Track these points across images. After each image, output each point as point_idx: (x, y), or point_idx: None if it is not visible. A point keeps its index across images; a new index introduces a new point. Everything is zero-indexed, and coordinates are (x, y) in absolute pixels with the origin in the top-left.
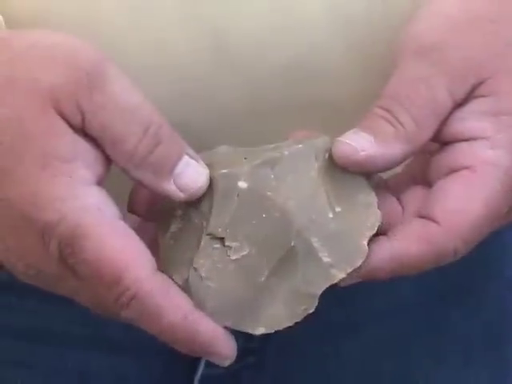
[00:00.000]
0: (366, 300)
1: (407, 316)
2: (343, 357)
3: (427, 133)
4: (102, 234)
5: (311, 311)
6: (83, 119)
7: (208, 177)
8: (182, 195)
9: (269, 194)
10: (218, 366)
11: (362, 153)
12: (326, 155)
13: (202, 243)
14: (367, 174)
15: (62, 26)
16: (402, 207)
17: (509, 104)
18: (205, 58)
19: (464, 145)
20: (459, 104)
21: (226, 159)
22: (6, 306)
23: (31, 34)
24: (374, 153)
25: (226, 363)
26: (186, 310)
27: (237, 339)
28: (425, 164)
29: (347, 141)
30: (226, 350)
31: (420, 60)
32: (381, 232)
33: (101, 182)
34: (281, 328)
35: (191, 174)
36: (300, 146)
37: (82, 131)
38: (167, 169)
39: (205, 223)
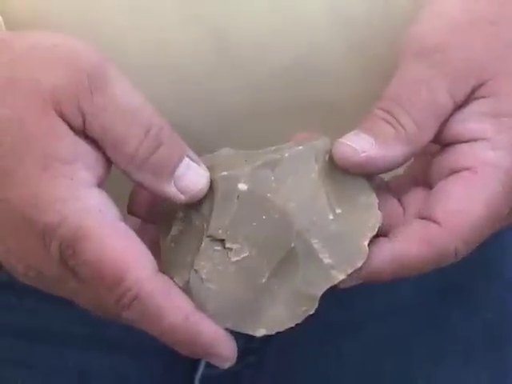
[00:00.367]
0: (366, 300)
1: (407, 316)
2: (343, 357)
3: (428, 134)
4: (103, 236)
5: (311, 312)
6: (84, 121)
7: (208, 179)
8: (182, 197)
9: (269, 195)
10: (217, 367)
11: (363, 154)
12: (327, 157)
13: (203, 245)
14: (368, 175)
15: (61, 27)
16: (403, 208)
17: (509, 105)
18: (205, 59)
19: (465, 146)
20: (460, 105)
21: (226, 161)
22: (5, 306)
23: (32, 36)
24: (375, 154)
25: (227, 365)
26: (187, 311)
27: (237, 339)
28: (426, 165)
29: (348, 142)
30: (226, 351)
31: (421, 61)
32: (381, 233)
33: (101, 184)
34: (282, 329)
35: (192, 177)
36: (300, 147)
37: (83, 133)
38: (168, 171)
39: (205, 225)
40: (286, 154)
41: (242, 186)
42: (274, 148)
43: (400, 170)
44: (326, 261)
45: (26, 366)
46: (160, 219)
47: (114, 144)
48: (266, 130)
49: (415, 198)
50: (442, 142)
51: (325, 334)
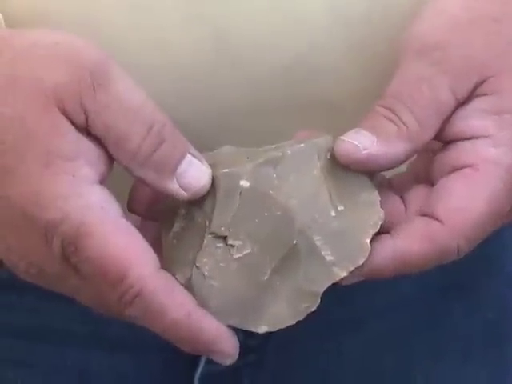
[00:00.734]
0: (366, 297)
1: (407, 313)
2: (343, 354)
3: (430, 132)
4: (105, 233)
5: (313, 309)
6: (87, 118)
7: (210, 176)
8: (185, 194)
9: (271, 192)
10: (218, 364)
11: (365, 151)
12: (328, 154)
13: (205, 242)
14: (370, 172)
15: (61, 26)
16: (405, 206)
17: (511, 102)
18: (205, 58)
19: (466, 143)
20: (462, 103)
21: (228, 159)
22: (5, 305)
23: (32, 33)
24: (377, 151)
25: (228, 361)
26: (189, 307)
27: (237, 336)
28: (428, 163)
29: (349, 139)
30: (228, 348)
31: (422, 59)
32: (383, 230)
33: (103, 181)
34: (283, 326)
35: (194, 173)
36: (302, 145)
37: (85, 130)
38: (170, 168)
39: (207, 222)
40: (288, 152)
41: (245, 183)
42: (275, 146)
43: (402, 168)
44: (328, 258)
45: (26, 365)
46: (162, 216)
47: (116, 141)
48: (266, 128)
49: (417, 195)
50: (443, 139)
51: (325, 331)
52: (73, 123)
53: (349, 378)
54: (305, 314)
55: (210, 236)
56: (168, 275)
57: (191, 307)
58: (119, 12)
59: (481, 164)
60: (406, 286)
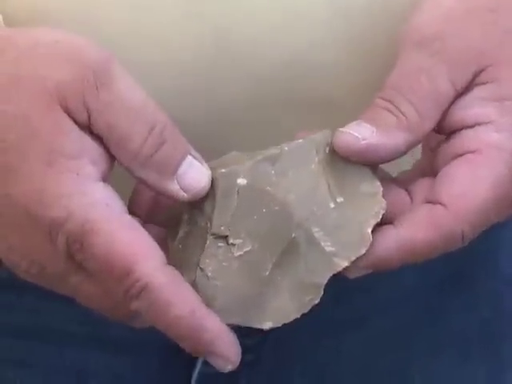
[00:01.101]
0: (364, 296)
1: (405, 311)
2: (341, 352)
3: (430, 122)
4: (110, 229)
5: (317, 301)
6: (89, 117)
7: (210, 177)
8: (185, 195)
9: (268, 188)
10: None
11: (363, 142)
12: (327, 149)
13: (207, 243)
14: (371, 164)
15: (61, 24)
16: (411, 198)
17: (510, 90)
18: (205, 55)
19: (469, 131)
20: (461, 93)
21: (230, 161)
22: (4, 305)
23: (34, 32)
24: (376, 142)
25: (228, 367)
26: (194, 305)
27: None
28: (433, 160)
29: (349, 131)
30: (229, 352)
31: (421, 50)
32: (388, 222)
33: (106, 179)
34: (288, 321)
35: (194, 175)
36: (300, 141)
37: (88, 129)
38: (171, 168)
39: (209, 224)
40: (286, 148)
41: (242, 181)
42: (278, 147)
43: (408, 166)
44: (328, 249)
45: (25, 365)
46: (168, 223)
47: (118, 141)
48: (266, 123)
49: (422, 186)
50: (446, 130)
51: (322, 330)
52: (75, 121)
53: (347, 376)
54: (309, 307)
55: (211, 237)
56: (175, 271)
57: (196, 305)
58: (119, 10)
59: (484, 149)
60: (403, 284)
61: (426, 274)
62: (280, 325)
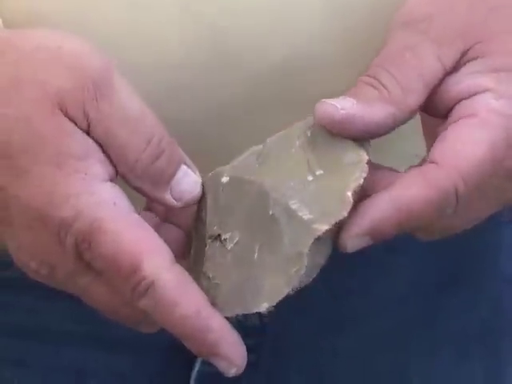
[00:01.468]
0: (362, 296)
1: (403, 312)
2: (339, 353)
3: (414, 96)
4: (118, 228)
5: (303, 272)
6: (89, 125)
7: (201, 186)
8: (178, 204)
9: (247, 177)
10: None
11: (342, 111)
12: (309, 132)
13: (207, 248)
14: (359, 140)
15: (58, 26)
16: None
17: (502, 61)
18: (203, 54)
19: (466, 101)
20: (451, 71)
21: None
22: (3, 304)
23: (35, 35)
24: (354, 112)
25: (232, 371)
26: (199, 305)
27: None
28: None
29: (330, 101)
30: (234, 354)
31: (407, 30)
32: None
33: (113, 179)
34: (281, 297)
35: (187, 185)
36: (281, 132)
37: (88, 134)
38: (165, 180)
39: (206, 229)
40: (268, 140)
41: (225, 179)
42: None
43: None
44: (307, 217)
45: (23, 365)
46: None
47: (116, 152)
48: (265, 122)
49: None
50: (444, 111)
51: (321, 331)
52: (76, 126)
53: (345, 377)
54: (297, 279)
55: (209, 240)
56: (182, 270)
57: (201, 305)
58: (116, 10)
59: (482, 112)
60: (402, 283)
61: (425, 273)
62: (275, 303)
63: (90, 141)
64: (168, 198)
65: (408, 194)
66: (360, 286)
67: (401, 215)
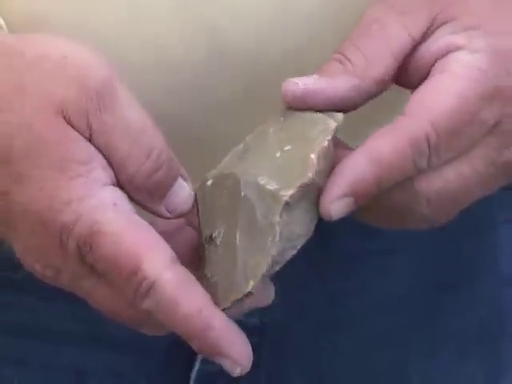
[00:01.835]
0: (361, 296)
1: (402, 312)
2: (338, 353)
3: (380, 67)
4: (118, 229)
5: (277, 239)
6: (91, 135)
7: (194, 197)
8: (170, 216)
9: (226, 172)
10: (214, 363)
11: (302, 87)
12: (282, 118)
13: (206, 252)
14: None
15: (57, 28)
16: None
17: (470, 22)
18: (203, 53)
19: (440, 60)
20: (420, 41)
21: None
22: (3, 304)
23: (41, 42)
24: (313, 86)
25: (237, 370)
26: (201, 304)
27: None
28: None
29: (292, 79)
30: (237, 353)
31: (376, 4)
32: None
33: (114, 184)
34: (263, 271)
35: (182, 197)
36: (259, 126)
37: (90, 143)
38: (162, 193)
39: (202, 234)
40: (247, 138)
41: (209, 182)
42: None
43: None
44: (273, 187)
45: (23, 364)
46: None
47: (116, 162)
48: (263, 121)
49: None
50: (420, 79)
51: (320, 330)
52: (79, 133)
53: (344, 376)
54: (273, 248)
55: (206, 245)
56: (184, 270)
57: (203, 303)
58: (116, 11)
59: (453, 66)
60: (401, 283)
61: (424, 273)
62: (258, 279)
63: (93, 148)
64: (162, 210)
65: (380, 145)
66: (360, 285)
67: (378, 170)
